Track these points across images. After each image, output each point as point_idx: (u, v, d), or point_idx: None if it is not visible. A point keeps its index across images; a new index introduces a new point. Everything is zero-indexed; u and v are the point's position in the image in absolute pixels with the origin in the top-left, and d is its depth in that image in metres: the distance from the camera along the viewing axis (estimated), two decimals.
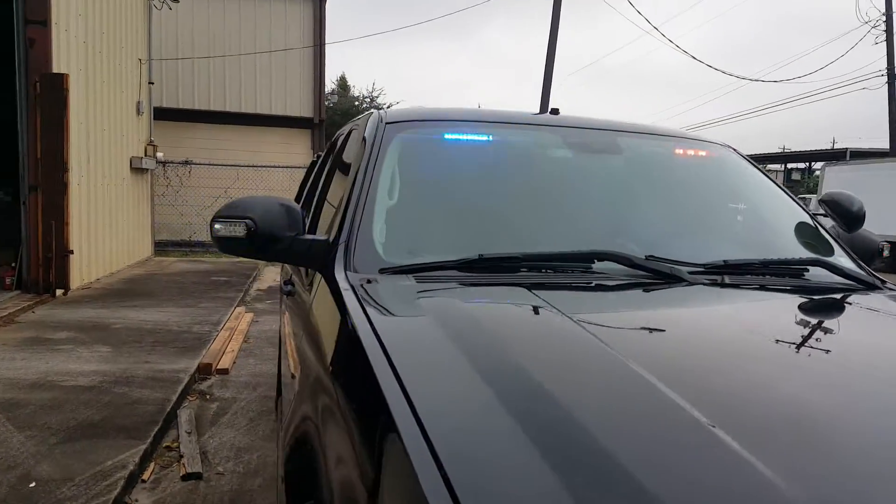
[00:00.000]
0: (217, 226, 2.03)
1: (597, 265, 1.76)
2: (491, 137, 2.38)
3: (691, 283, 1.72)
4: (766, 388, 1.10)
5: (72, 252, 7.89)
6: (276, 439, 3.64)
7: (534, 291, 1.57)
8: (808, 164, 35.41)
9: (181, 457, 3.76)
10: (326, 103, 18.27)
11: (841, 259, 2.16)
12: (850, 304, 1.82)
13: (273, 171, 14.48)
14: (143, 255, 11.62)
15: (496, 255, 1.74)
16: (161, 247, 13.17)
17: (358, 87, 35.26)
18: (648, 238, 1.96)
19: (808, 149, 32.82)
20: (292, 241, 2.01)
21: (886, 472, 0.85)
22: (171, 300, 7.95)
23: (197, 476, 3.55)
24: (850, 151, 28.26)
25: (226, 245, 2.06)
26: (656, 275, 1.71)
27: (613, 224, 2.12)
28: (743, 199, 2.39)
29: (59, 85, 7.66)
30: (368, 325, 1.30)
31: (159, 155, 11.84)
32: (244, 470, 3.68)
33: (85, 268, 8.67)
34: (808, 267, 1.99)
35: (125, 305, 7.49)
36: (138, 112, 10.92)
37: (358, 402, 1.14)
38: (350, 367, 1.27)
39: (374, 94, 28.83)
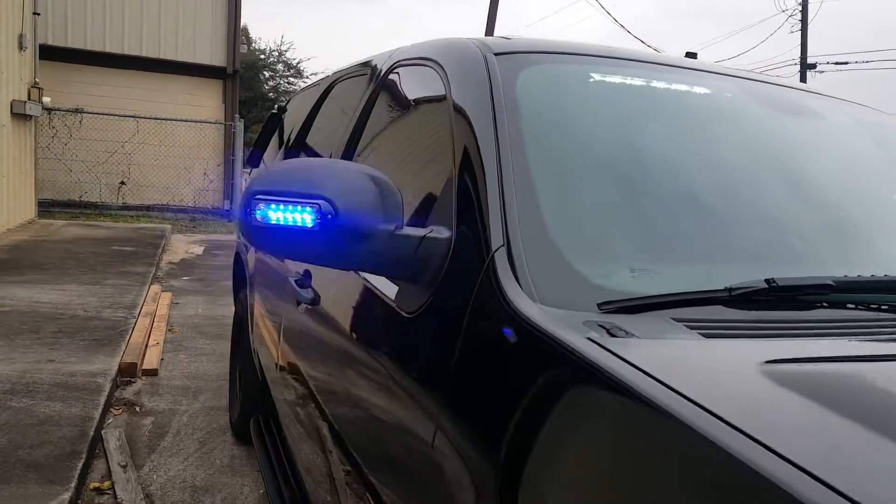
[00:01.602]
0: (261, 209, 1.21)
1: None
2: (662, 85, 1.62)
3: None
4: None
5: None
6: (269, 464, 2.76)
7: None
8: None
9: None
10: None
11: None
12: None
13: (179, 125, 12.93)
14: (25, 216, 9.97)
15: (797, 282, 1.02)
16: (45, 207, 11.45)
17: (264, 41, 33.12)
18: None
19: None
20: (389, 239, 1.22)
21: None
22: (68, 275, 6.66)
23: None
24: None
25: (275, 240, 1.26)
26: None
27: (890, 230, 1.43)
28: None
29: None
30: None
31: (46, 100, 10.15)
32: None
33: None
34: None
35: (11, 281, 6.16)
36: (20, 47, 9.22)
37: None
38: None
39: (283, 47, 27.09)
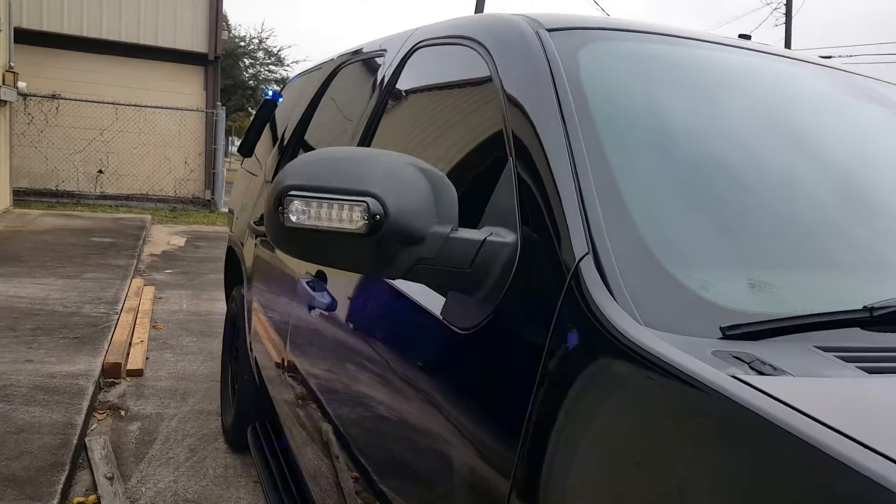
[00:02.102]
0: (296, 206, 1.04)
1: None
2: (744, 68, 1.45)
3: None
4: None
5: None
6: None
7: None
8: None
9: None
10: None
11: None
12: None
13: (159, 112, 12.56)
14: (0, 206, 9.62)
15: None
16: (20, 197, 11.06)
17: (244, 28, 32.52)
18: None
19: None
20: (444, 244, 1.05)
21: None
22: (46, 268, 6.38)
23: None
24: None
25: (313, 245, 1.07)
26: None
27: None
28: None
29: None
30: None
31: (21, 85, 9.76)
32: None
33: None
34: None
35: None
36: None
37: None
38: None
39: (264, 34, 26.64)
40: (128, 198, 12.62)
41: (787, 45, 20.28)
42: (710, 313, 0.86)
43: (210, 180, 13.31)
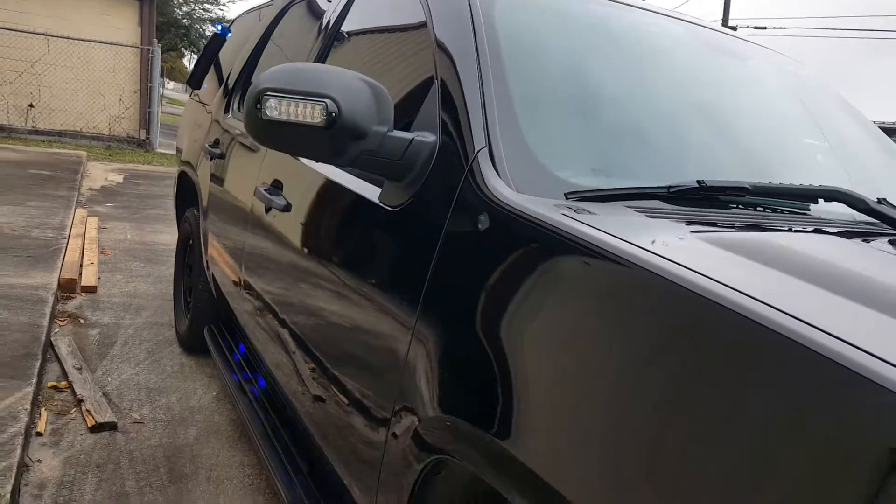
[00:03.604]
0: (271, 103, 1.42)
1: (818, 207, 1.45)
2: (625, 20, 1.93)
3: None
4: None
5: None
6: (240, 395, 3.03)
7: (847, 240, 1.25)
8: None
9: (80, 401, 3.01)
10: None
11: None
12: None
13: (93, 46, 12.32)
14: None
15: (722, 183, 1.33)
16: None
17: None
18: (857, 176, 1.69)
19: None
20: (382, 140, 1.46)
21: None
22: None
23: (110, 426, 2.85)
24: None
25: (282, 136, 1.46)
26: (885, 222, 1.42)
27: (810, 155, 1.83)
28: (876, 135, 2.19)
29: None
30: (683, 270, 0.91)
31: None
32: (167, 417, 3.03)
33: None
34: None
35: None
36: None
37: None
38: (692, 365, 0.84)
39: None
40: (60, 133, 12.43)
41: (725, 13, 21.25)
42: (560, 185, 1.33)
43: (145, 119, 13.20)
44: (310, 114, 1.41)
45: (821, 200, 1.44)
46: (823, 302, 0.86)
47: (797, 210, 1.44)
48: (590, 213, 1.19)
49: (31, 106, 12.20)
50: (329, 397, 1.76)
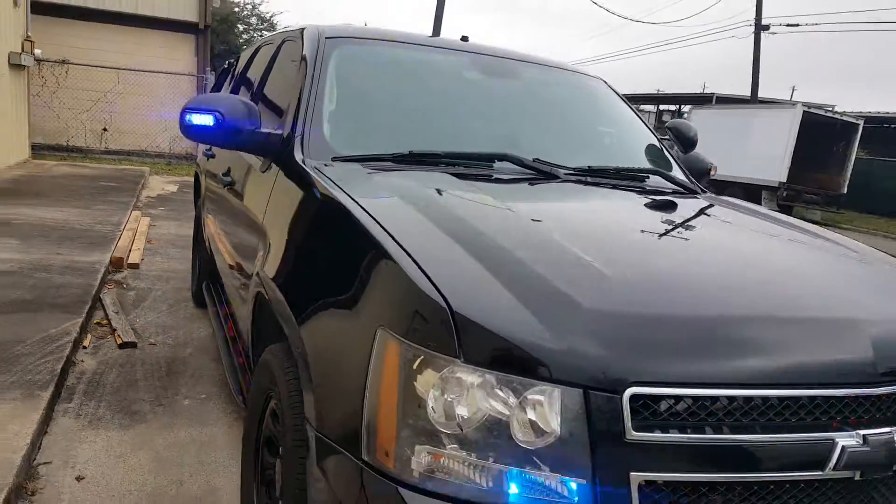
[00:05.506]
0: (189, 116, 2.58)
1: (497, 164, 2.53)
2: (415, 57, 3.05)
3: (564, 181, 2.47)
4: (615, 234, 1.95)
5: None
6: (216, 317, 4.24)
7: (459, 179, 2.32)
8: (678, 106, 37.76)
9: (114, 330, 4.30)
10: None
11: (675, 172, 3.02)
12: (674, 199, 2.63)
13: (156, 76, 14.12)
14: (21, 156, 11.25)
15: (423, 151, 2.43)
16: (36, 150, 12.68)
17: None
18: (535, 147, 2.73)
19: (681, 91, 34.79)
20: (252, 133, 2.59)
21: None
22: (63, 201, 8.05)
23: (132, 345, 4.12)
24: (717, 97, 29.70)
25: (195, 132, 2.57)
26: (539, 173, 2.50)
27: (510, 135, 2.89)
28: (610, 123, 3.24)
29: None
30: (343, 194, 2.00)
31: (37, 52, 11.32)
32: (174, 342, 4.28)
33: None
34: (649, 175, 2.82)
35: (19, 203, 7.54)
36: (14, 4, 10.38)
37: (350, 252, 1.85)
38: (330, 225, 1.96)
39: (257, 1, 27.85)
40: (129, 153, 14.25)
41: (758, 13, 21.47)
42: (331, 154, 2.44)
43: None
44: (208, 120, 2.59)
45: (496, 161, 2.53)
46: (405, 216, 1.93)
47: (484, 167, 2.52)
48: (330, 166, 2.33)
49: (104, 130, 14.06)
50: (233, 276, 2.97)
